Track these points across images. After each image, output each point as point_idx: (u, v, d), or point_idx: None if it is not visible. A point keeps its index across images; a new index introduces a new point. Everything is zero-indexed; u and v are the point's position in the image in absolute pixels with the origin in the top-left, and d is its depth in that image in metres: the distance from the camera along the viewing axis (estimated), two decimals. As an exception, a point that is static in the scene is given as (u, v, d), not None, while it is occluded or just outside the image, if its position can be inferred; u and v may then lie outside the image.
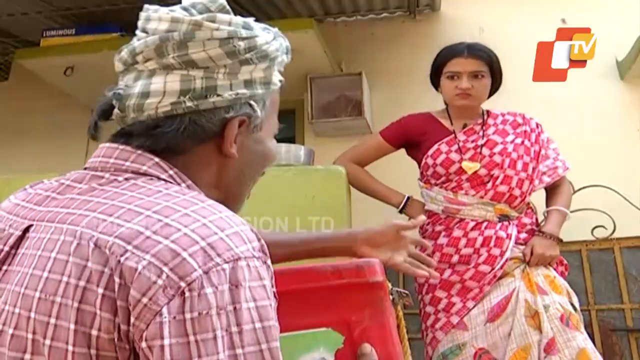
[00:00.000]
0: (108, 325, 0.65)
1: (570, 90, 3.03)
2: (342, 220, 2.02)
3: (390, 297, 1.00)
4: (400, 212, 2.41)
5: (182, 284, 0.64)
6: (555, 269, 2.21)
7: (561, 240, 2.24)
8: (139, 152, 0.81)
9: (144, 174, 0.79)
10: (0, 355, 0.68)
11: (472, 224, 2.19)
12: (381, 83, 3.43)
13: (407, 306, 2.09)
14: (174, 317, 0.63)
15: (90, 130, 0.87)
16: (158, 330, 0.62)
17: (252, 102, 0.86)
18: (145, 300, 0.63)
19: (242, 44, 0.83)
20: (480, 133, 2.30)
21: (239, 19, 0.85)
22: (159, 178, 0.80)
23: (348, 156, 2.42)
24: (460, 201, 2.22)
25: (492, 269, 2.12)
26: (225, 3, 0.86)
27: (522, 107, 3.15)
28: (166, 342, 0.62)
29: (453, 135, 2.30)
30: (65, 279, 0.67)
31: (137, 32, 0.86)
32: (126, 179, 0.78)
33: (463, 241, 2.18)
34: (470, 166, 2.22)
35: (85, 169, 0.85)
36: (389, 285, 1.01)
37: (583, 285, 2.81)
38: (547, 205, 2.37)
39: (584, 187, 2.87)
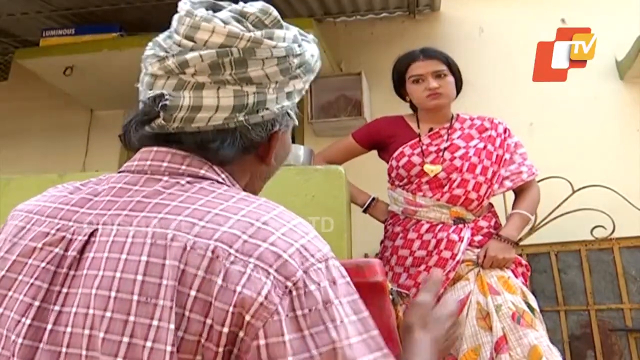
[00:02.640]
0: (197, 326, 0.66)
1: (569, 90, 3.03)
2: (341, 220, 2.02)
3: (390, 297, 1.00)
4: (364, 211, 2.47)
5: (289, 284, 0.68)
6: (514, 271, 2.20)
7: (517, 244, 2.24)
8: (192, 155, 0.83)
9: (203, 178, 0.82)
10: (94, 359, 0.68)
11: (426, 226, 2.21)
12: (381, 83, 3.42)
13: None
14: (287, 315, 0.66)
15: (126, 139, 0.86)
16: (279, 327, 0.66)
17: (289, 111, 0.90)
18: (261, 299, 0.66)
19: (295, 61, 0.86)
20: (445, 137, 2.31)
21: (289, 33, 0.87)
22: (217, 182, 0.82)
23: (322, 156, 2.45)
24: (417, 203, 2.24)
25: (444, 271, 2.11)
26: (277, 14, 0.86)
27: (520, 106, 3.17)
28: (287, 337, 0.65)
29: (417, 138, 2.32)
30: (164, 282, 0.68)
31: (178, 36, 0.83)
32: (188, 183, 0.80)
33: (417, 243, 2.20)
34: (432, 169, 2.23)
35: (121, 171, 0.85)
36: (389, 285, 1.01)
37: (582, 285, 2.81)
38: (512, 208, 2.37)
39: (583, 187, 2.87)
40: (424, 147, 2.29)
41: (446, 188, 2.21)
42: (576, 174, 2.89)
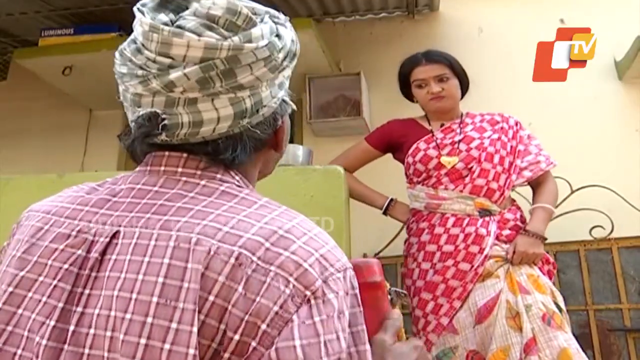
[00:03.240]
0: (211, 331, 0.67)
1: (568, 90, 3.03)
2: (340, 220, 2.02)
3: (389, 297, 1.00)
4: (384, 213, 2.46)
5: (308, 293, 0.69)
6: (540, 268, 2.20)
7: (545, 239, 2.23)
8: (205, 159, 0.83)
9: (221, 181, 0.82)
10: None
11: (452, 219, 2.21)
12: (380, 83, 3.43)
13: (405, 307, 2.11)
14: (303, 322, 0.67)
15: (135, 157, 0.88)
16: (290, 333, 0.67)
17: (285, 98, 0.91)
18: (276, 308, 0.67)
19: (280, 55, 0.85)
20: (458, 130, 2.35)
21: (265, 27, 0.83)
22: (235, 185, 0.83)
23: (337, 163, 2.40)
24: (440, 196, 2.25)
25: (472, 266, 2.12)
26: (246, 10, 0.82)
27: (520, 106, 3.17)
28: (297, 342, 0.66)
29: (431, 133, 2.35)
30: (186, 285, 0.68)
31: (149, 53, 0.80)
32: (206, 187, 0.81)
33: (444, 238, 2.19)
34: (448, 160, 2.25)
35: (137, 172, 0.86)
36: (388, 285, 1.01)
37: (581, 285, 2.81)
38: (533, 202, 2.37)
39: (582, 187, 2.87)
40: (439, 140, 2.31)
41: (467, 179, 2.22)
42: (575, 174, 2.89)
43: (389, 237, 2.98)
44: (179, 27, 0.79)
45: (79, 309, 0.72)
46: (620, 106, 3.27)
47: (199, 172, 0.82)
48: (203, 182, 0.81)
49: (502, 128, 2.34)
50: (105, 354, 0.68)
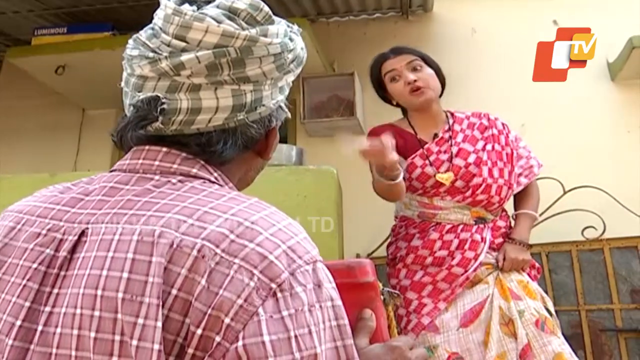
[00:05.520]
0: (176, 325, 0.66)
1: (561, 92, 3.04)
2: (333, 220, 2.03)
3: (382, 297, 1.00)
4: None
5: (274, 286, 0.67)
6: (529, 274, 2.18)
7: (531, 246, 2.21)
8: (184, 154, 0.82)
9: (195, 177, 0.81)
10: (84, 359, 0.67)
11: (448, 227, 2.15)
12: (374, 83, 3.43)
13: (398, 307, 2.11)
14: (271, 316, 0.66)
15: (123, 143, 0.86)
16: (257, 328, 0.65)
17: (282, 105, 0.91)
18: (240, 301, 0.65)
19: (289, 56, 0.86)
20: (450, 142, 2.22)
21: (281, 28, 0.86)
22: (209, 181, 0.82)
23: (375, 191, 2.14)
24: (436, 205, 2.18)
25: (465, 271, 2.09)
26: (268, 9, 0.85)
27: (513, 107, 3.18)
28: (266, 338, 0.64)
29: (427, 146, 2.20)
30: (151, 279, 0.67)
31: (167, 36, 0.81)
32: (180, 181, 0.79)
33: (438, 244, 2.14)
34: (445, 177, 2.14)
35: (112, 170, 0.85)
36: (380, 285, 1.01)
37: (573, 285, 2.83)
38: (516, 208, 2.33)
39: (574, 188, 2.88)
40: (434, 156, 2.18)
41: (468, 193, 2.14)
42: (567, 175, 2.91)
43: (382, 238, 2.98)
44: (202, 13, 0.81)
45: (47, 309, 0.71)
46: (612, 107, 3.28)
47: (174, 167, 0.81)
48: (177, 179, 0.80)
49: (492, 135, 2.25)
50: (73, 353, 0.68)
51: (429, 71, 2.21)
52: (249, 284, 0.66)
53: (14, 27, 3.52)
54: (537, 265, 2.26)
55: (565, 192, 2.89)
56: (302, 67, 0.92)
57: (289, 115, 0.95)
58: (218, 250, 0.68)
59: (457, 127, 2.26)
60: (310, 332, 0.67)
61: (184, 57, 0.79)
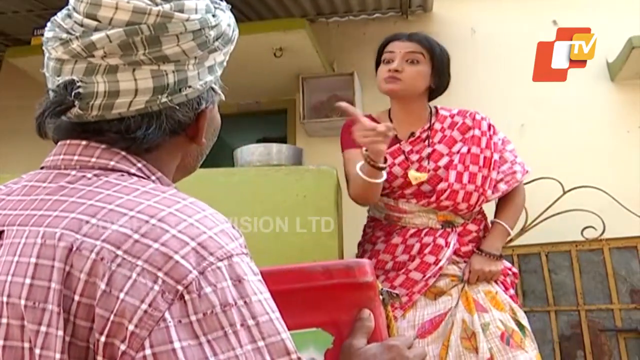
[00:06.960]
0: (83, 332, 0.62)
1: (560, 91, 3.04)
2: (333, 220, 2.03)
3: (380, 297, 1.00)
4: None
5: (180, 288, 0.62)
6: (504, 282, 2.07)
7: (501, 256, 2.09)
8: (104, 146, 0.77)
9: (113, 170, 0.76)
10: None
11: (412, 230, 2.05)
12: (373, 83, 3.35)
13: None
14: (179, 321, 0.61)
15: (42, 131, 0.80)
16: (165, 335, 0.60)
17: (213, 86, 0.85)
18: (144, 307, 0.61)
19: (212, 33, 0.80)
20: (426, 142, 2.11)
21: (201, 3, 0.80)
22: (129, 173, 0.77)
23: (350, 192, 2.08)
24: (401, 209, 2.08)
25: (424, 276, 1.98)
26: None
27: (512, 107, 3.19)
28: (177, 345, 0.60)
29: (398, 145, 2.09)
30: (53, 285, 0.63)
31: (78, 15, 0.76)
32: (96, 176, 0.74)
33: (400, 248, 2.04)
34: (416, 176, 2.04)
35: (42, 168, 0.80)
36: (379, 285, 1.01)
37: (572, 285, 2.83)
38: (496, 213, 2.19)
39: (574, 188, 2.88)
40: (403, 157, 2.09)
41: (433, 198, 2.04)
42: (567, 175, 2.91)
43: (381, 237, 2.99)
44: None
45: None
46: (612, 107, 3.29)
47: (93, 160, 0.76)
48: (93, 173, 0.75)
49: (473, 137, 2.10)
50: None
51: (423, 69, 2.08)
52: (153, 288, 0.62)
53: (13, 27, 3.52)
54: (513, 271, 2.14)
55: (564, 192, 2.89)
56: (232, 45, 0.87)
57: (223, 97, 0.88)
58: (119, 252, 0.63)
59: (437, 126, 2.14)
60: (225, 335, 0.62)
61: (95, 36, 0.74)
